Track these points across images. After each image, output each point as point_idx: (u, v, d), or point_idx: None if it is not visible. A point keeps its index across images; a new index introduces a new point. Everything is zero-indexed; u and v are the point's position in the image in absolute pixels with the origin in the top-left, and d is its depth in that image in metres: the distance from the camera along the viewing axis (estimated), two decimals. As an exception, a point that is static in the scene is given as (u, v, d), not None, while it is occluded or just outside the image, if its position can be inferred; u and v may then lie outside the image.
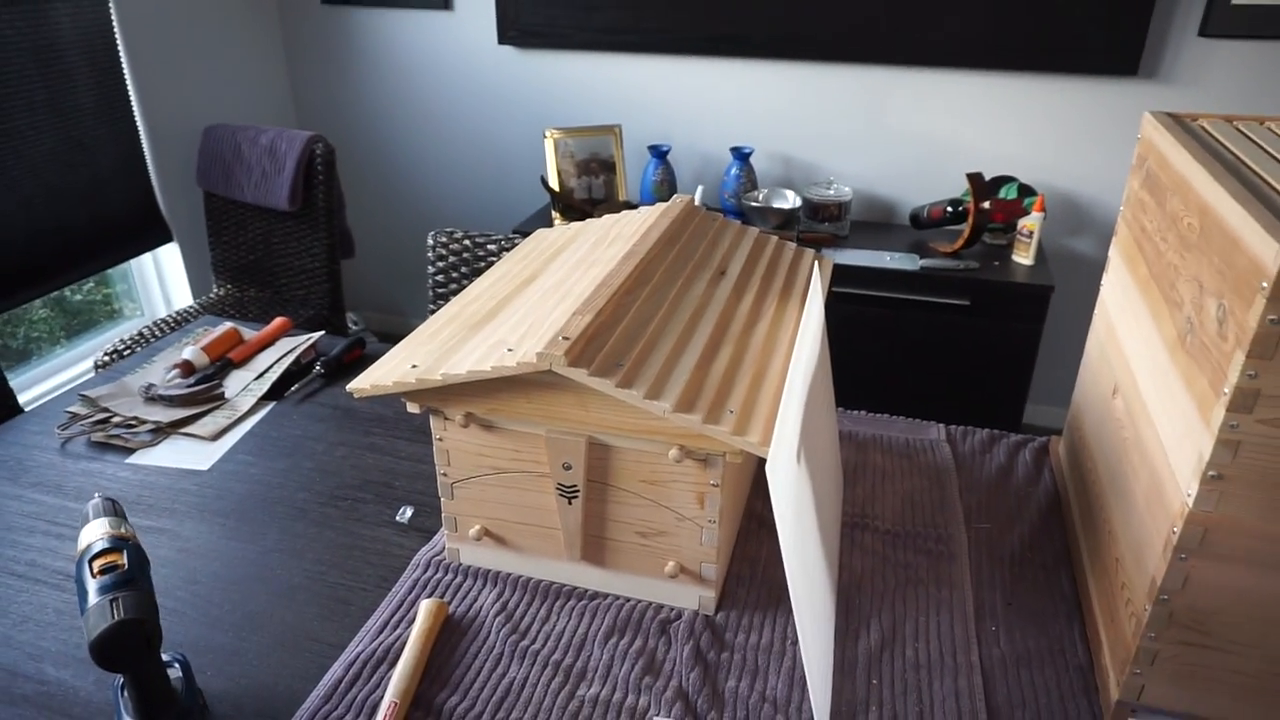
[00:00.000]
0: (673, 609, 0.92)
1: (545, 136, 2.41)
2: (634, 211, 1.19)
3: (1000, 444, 1.21)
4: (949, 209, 2.19)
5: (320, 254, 2.32)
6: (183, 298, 2.71)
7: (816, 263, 1.09)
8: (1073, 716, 0.81)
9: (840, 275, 2.13)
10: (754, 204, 2.30)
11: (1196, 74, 2.14)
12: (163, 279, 2.74)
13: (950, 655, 0.87)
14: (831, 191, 2.32)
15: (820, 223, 2.31)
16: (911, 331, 2.13)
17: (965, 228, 2.10)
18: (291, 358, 1.39)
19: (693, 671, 0.84)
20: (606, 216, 1.22)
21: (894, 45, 2.28)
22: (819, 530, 0.86)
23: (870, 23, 2.27)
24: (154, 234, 2.56)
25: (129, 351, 2.16)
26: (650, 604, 0.93)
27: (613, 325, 0.85)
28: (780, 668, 0.85)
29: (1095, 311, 1.09)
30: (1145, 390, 0.83)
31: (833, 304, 2.14)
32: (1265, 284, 0.59)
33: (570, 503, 0.90)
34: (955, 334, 2.09)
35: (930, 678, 0.84)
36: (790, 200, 2.33)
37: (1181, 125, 0.91)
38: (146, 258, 2.68)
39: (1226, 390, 0.63)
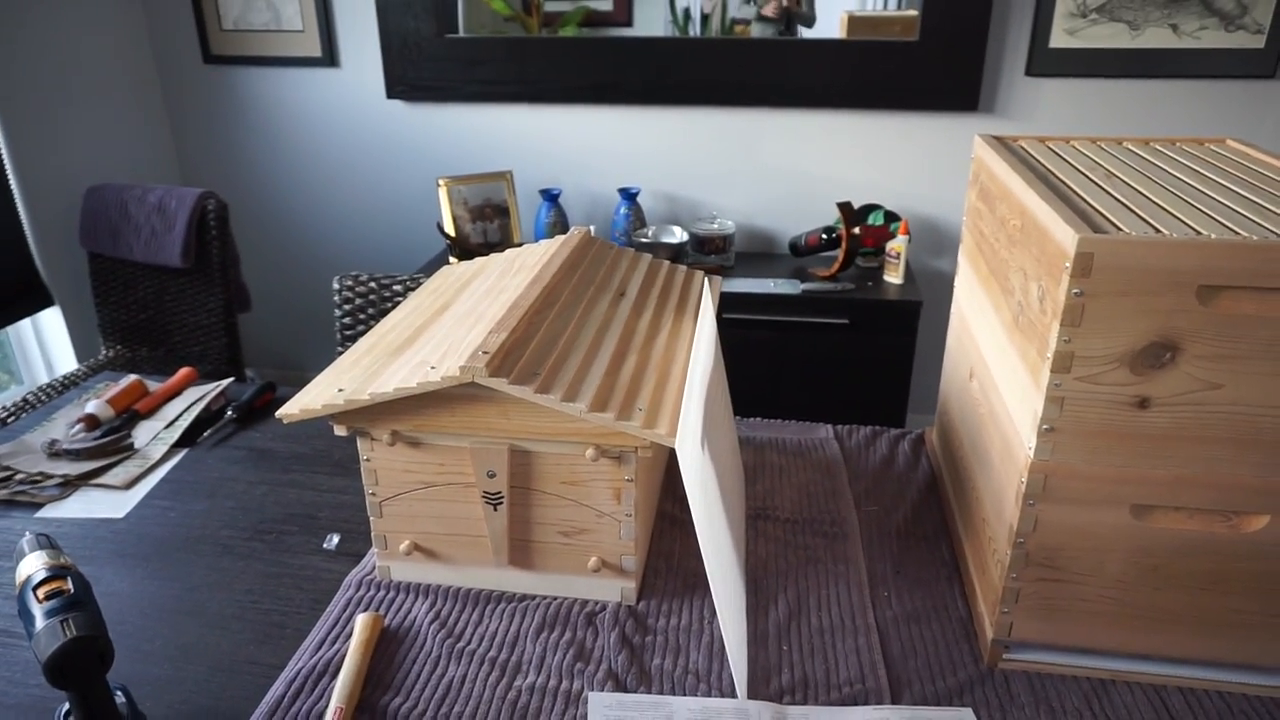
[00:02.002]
0: (598, 602, 0.99)
1: (438, 185, 2.48)
2: (536, 244, 1.27)
3: (882, 438, 1.34)
4: (824, 236, 2.37)
5: (216, 310, 2.30)
6: (66, 362, 2.63)
7: (707, 280, 1.20)
8: (957, 659, 0.92)
9: (729, 303, 2.27)
10: (643, 240, 2.42)
11: (1025, 107, 2.40)
12: (44, 344, 2.64)
13: (850, 619, 0.97)
14: (715, 226, 2.47)
15: (707, 255, 2.45)
16: (798, 350, 2.28)
17: (839, 253, 2.28)
18: (202, 404, 1.41)
19: (620, 655, 0.91)
20: (510, 250, 1.30)
21: (766, 89, 2.46)
22: (726, 518, 0.96)
23: (742, 70, 2.45)
24: (33, 299, 2.48)
25: (11, 419, 2.09)
26: (576, 600, 0.99)
27: (526, 341, 0.93)
28: (700, 644, 0.93)
29: (952, 310, 1.23)
30: (993, 368, 0.96)
31: (724, 329, 2.27)
32: (1067, 264, 0.72)
33: (496, 509, 0.96)
34: (838, 350, 2.25)
35: (834, 639, 0.94)
36: (677, 236, 2.47)
37: (1005, 145, 1.07)
38: (25, 324, 2.59)
39: (1049, 355, 0.76)
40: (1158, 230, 0.74)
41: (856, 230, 2.25)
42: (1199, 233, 0.73)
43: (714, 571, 0.80)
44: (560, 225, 2.53)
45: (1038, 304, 0.80)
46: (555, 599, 0.99)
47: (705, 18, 2.63)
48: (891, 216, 2.42)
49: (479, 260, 1.32)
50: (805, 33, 2.55)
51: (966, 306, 1.13)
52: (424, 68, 2.60)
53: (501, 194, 2.54)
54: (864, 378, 2.25)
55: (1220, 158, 1.00)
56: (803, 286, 2.28)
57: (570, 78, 2.54)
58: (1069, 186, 0.88)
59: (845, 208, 2.25)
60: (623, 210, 2.52)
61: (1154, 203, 0.83)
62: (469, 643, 0.93)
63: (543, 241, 1.27)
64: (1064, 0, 2.29)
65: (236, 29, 2.74)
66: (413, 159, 2.77)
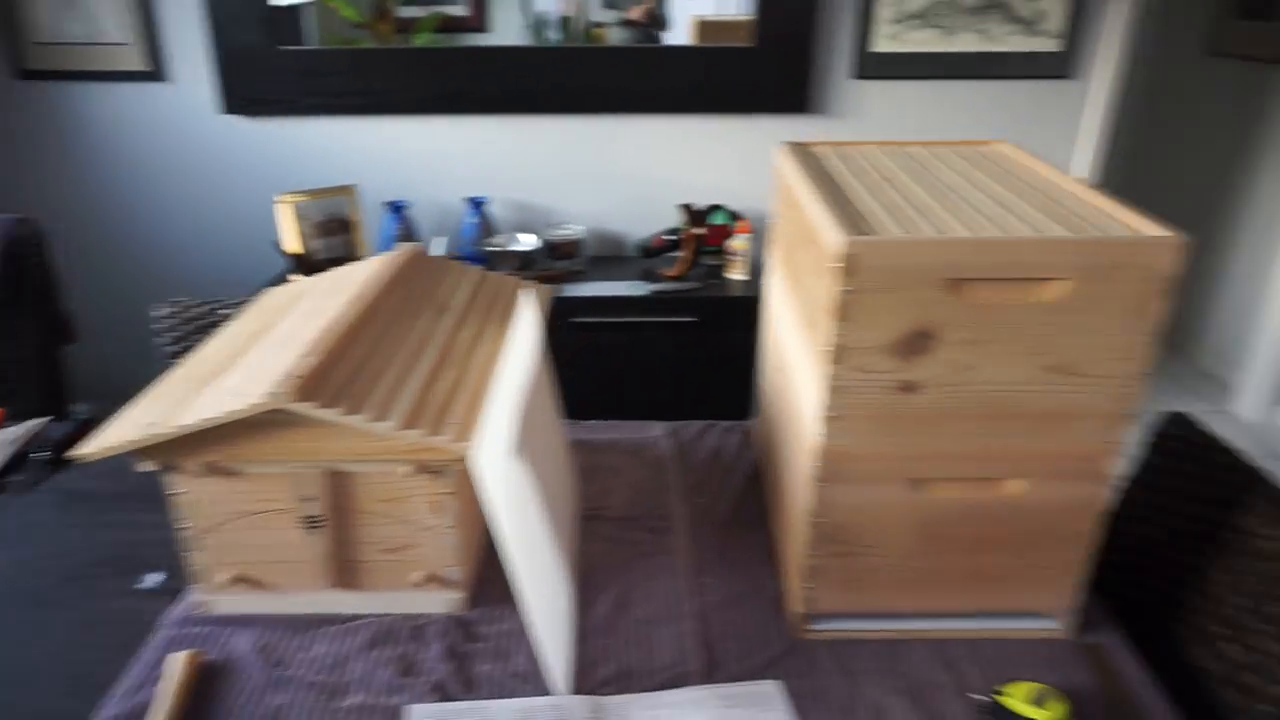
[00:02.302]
0: (426, 615, 1.00)
1: (278, 202, 2.41)
2: (363, 262, 1.27)
3: (711, 431, 1.40)
4: (669, 238, 2.43)
5: (33, 343, 2.16)
6: None
7: (529, 290, 1.22)
8: (770, 636, 0.97)
9: (580, 307, 2.30)
10: (494, 249, 2.43)
11: (853, 108, 2.53)
12: None
13: (672, 608, 1.01)
14: (565, 232, 2.49)
15: (558, 261, 2.47)
16: (649, 349, 2.33)
17: (685, 253, 2.34)
18: (12, 449, 1.33)
19: (446, 665, 0.92)
20: (338, 269, 1.29)
21: (614, 96, 2.51)
22: (549, 521, 0.98)
23: (593, 77, 2.48)
24: None
25: None
26: (404, 615, 1.00)
27: (339, 363, 0.92)
28: (526, 647, 0.95)
29: (764, 308, 1.29)
30: (792, 362, 1.03)
31: (575, 333, 2.30)
32: (837, 264, 0.78)
33: (316, 533, 0.95)
34: (687, 347, 2.32)
35: (655, 629, 0.98)
36: (527, 243, 2.48)
37: (801, 151, 1.14)
38: None
39: (829, 348, 0.82)
40: (914, 230, 0.81)
41: (700, 231, 2.32)
42: (950, 231, 0.81)
43: (523, 577, 0.83)
44: (408, 237, 2.51)
45: (820, 301, 0.86)
46: (383, 616, 1.00)
47: (565, 20, 2.66)
48: (733, 216, 2.51)
49: (305, 281, 1.30)
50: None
51: (775, 305, 1.20)
52: (261, 81, 2.52)
53: (345, 209, 2.49)
54: (713, 373, 2.33)
55: (988, 161, 1.10)
56: (651, 287, 2.34)
57: (417, 88, 2.52)
58: (847, 191, 0.95)
59: (688, 209, 2.32)
60: (471, 220, 2.51)
61: (916, 205, 0.90)
62: (293, 669, 0.92)
63: (371, 259, 1.26)
64: (884, 7, 2.43)
65: (53, 41, 2.58)
66: (252, 176, 2.68)
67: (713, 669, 0.93)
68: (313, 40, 2.60)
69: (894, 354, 0.81)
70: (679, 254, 2.42)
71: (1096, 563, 1.26)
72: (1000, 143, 1.16)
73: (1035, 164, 1.05)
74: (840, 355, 0.82)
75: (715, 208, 2.51)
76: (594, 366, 2.35)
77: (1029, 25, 2.43)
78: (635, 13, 2.58)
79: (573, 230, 2.50)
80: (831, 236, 0.80)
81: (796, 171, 1.02)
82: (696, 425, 1.41)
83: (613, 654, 0.94)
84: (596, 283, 2.39)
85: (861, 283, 0.79)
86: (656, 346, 2.33)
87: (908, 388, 0.83)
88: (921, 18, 2.43)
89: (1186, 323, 3.55)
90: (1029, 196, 0.93)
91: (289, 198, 2.40)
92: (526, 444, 0.93)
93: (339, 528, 0.96)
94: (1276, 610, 0.93)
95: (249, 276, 2.80)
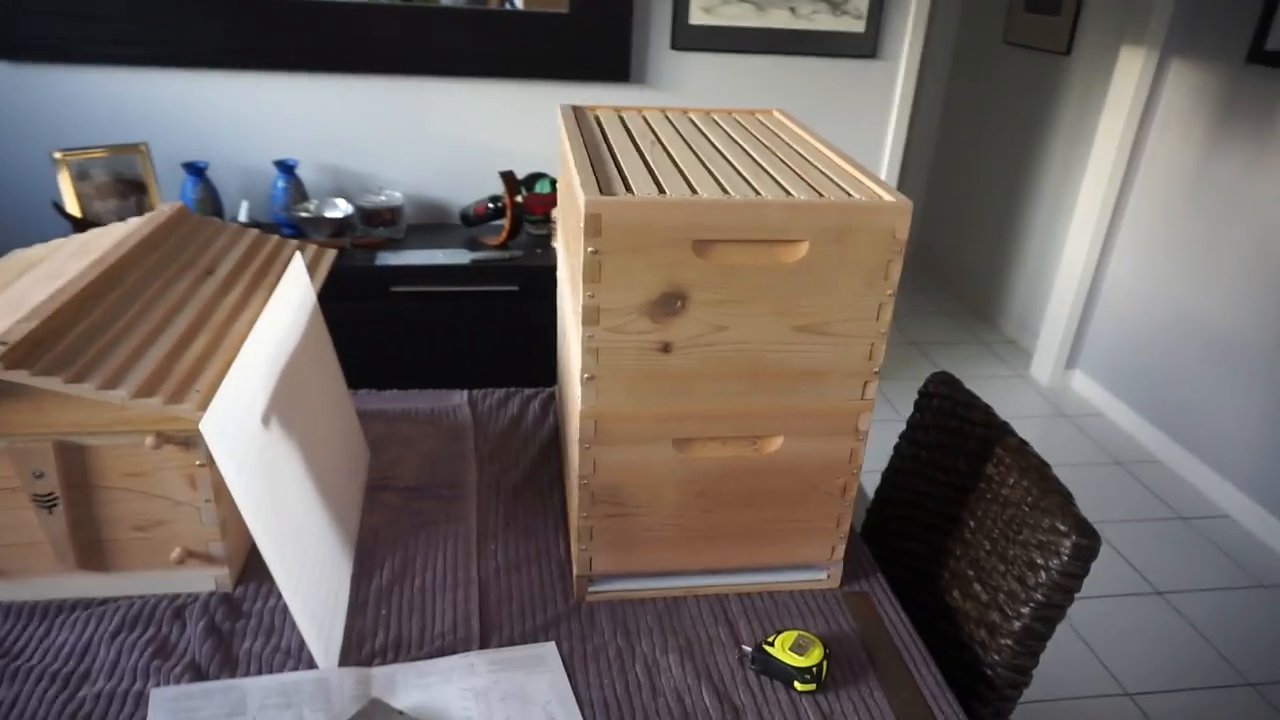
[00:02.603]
0: (189, 594, 0.95)
1: (55, 159, 2.20)
2: (122, 223, 1.17)
3: (515, 398, 1.39)
4: (490, 205, 2.39)
5: None
6: None
7: (300, 252, 1.17)
8: (550, 600, 0.98)
9: (399, 275, 2.23)
10: (305, 214, 2.31)
11: (673, 79, 2.57)
12: None
13: (452, 575, 1.00)
14: (383, 198, 2.41)
15: (375, 228, 2.39)
16: (469, 319, 2.29)
17: (506, 222, 2.31)
18: None
19: (205, 644, 0.88)
20: (92, 230, 1.19)
21: (424, 58, 2.42)
22: (316, 490, 0.95)
23: (397, 38, 2.39)
24: None
25: None
26: (164, 596, 0.94)
27: (68, 329, 0.85)
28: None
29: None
30: (566, 326, 1.03)
31: (394, 303, 2.23)
32: (583, 225, 0.79)
33: (51, 512, 0.88)
34: (508, 317, 2.30)
35: (434, 597, 0.97)
36: (342, 209, 2.38)
37: (579, 114, 1.13)
38: None
39: (581, 309, 0.83)
40: (663, 191, 0.83)
41: (520, 199, 2.29)
42: (696, 193, 0.82)
43: (270, 548, 0.79)
44: (210, 200, 2.35)
45: (578, 260, 0.87)
46: (139, 598, 0.94)
47: None
48: (555, 184, 2.49)
49: (55, 242, 1.19)
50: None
51: (561, 268, 1.20)
52: (25, 21, 2.28)
53: (136, 168, 2.31)
54: (535, 342, 2.32)
55: (761, 127, 1.13)
56: (472, 256, 2.29)
57: (211, 40, 2.35)
58: (614, 153, 0.96)
59: (508, 176, 2.29)
60: (281, 184, 2.38)
61: (680, 167, 0.92)
62: (29, 659, 0.86)
63: (131, 220, 1.17)
64: (700, -20, 2.46)
65: None
66: (22, 130, 2.43)
67: (489, 634, 0.92)
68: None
69: (648, 315, 0.83)
70: (502, 222, 2.39)
71: (873, 515, 1.34)
72: (774, 111, 1.20)
73: (803, 132, 1.09)
74: (594, 316, 0.82)
75: (540, 175, 2.48)
76: (413, 336, 2.29)
77: (835, 6, 2.52)
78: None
79: (391, 197, 2.42)
80: (580, 197, 0.80)
81: (567, 132, 1.02)
82: (499, 393, 1.40)
83: (389, 624, 0.93)
84: (416, 251, 2.32)
85: (608, 243, 0.79)
86: (478, 316, 2.30)
87: (664, 348, 0.85)
88: (735, -9, 2.48)
89: (993, 295, 3.83)
90: (793, 161, 0.96)
91: (65, 155, 2.20)
92: (277, 410, 0.89)
93: (79, 505, 0.89)
94: (1014, 551, 1.02)
95: (26, 241, 2.55)
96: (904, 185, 4.41)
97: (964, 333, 3.70)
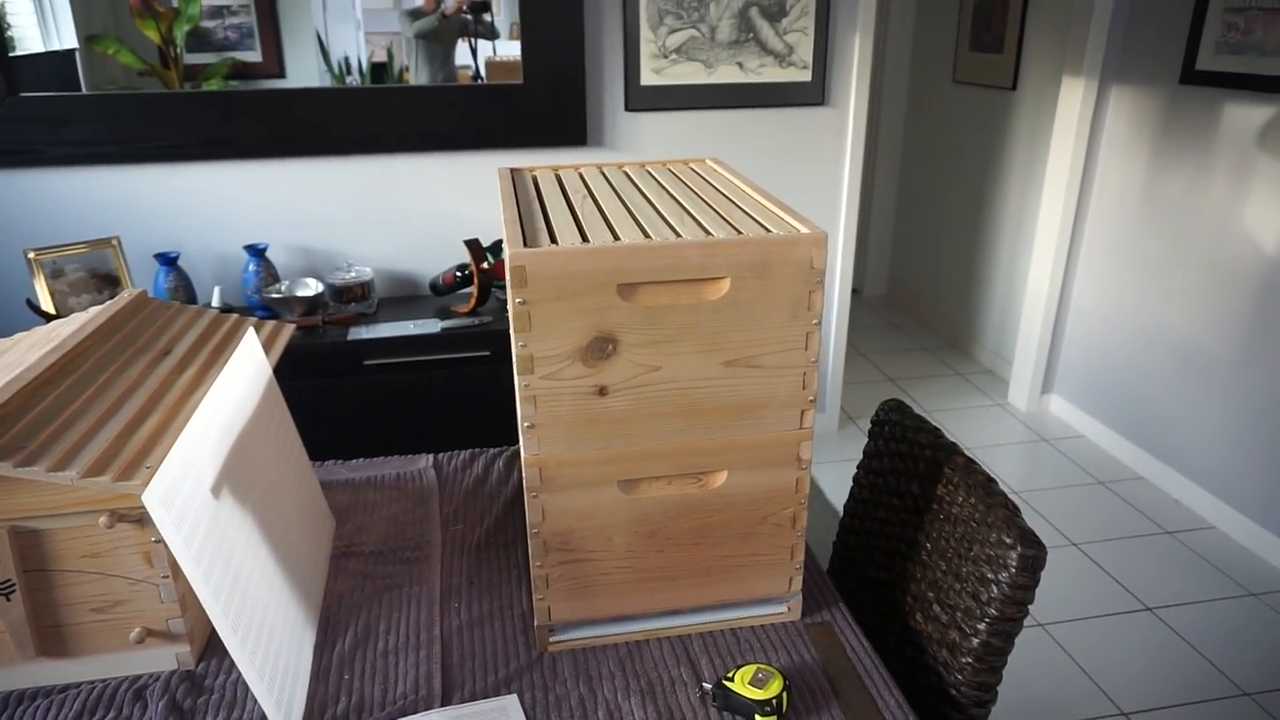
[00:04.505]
0: (151, 675, 0.95)
1: (28, 258, 2.24)
2: (83, 313, 1.20)
3: (480, 458, 1.40)
4: (458, 274, 2.43)
5: None
6: None
7: (253, 329, 1.19)
8: (513, 653, 0.98)
9: (372, 349, 2.26)
10: (276, 295, 2.35)
11: (628, 139, 2.64)
12: None
13: (415, 636, 1.01)
14: (353, 274, 2.45)
15: (347, 304, 2.42)
16: (443, 386, 2.32)
17: (474, 289, 2.35)
18: None
19: (165, 722, 0.88)
20: (55, 321, 1.22)
21: (386, 136, 2.49)
22: (274, 560, 0.96)
23: (358, 119, 2.46)
24: None
25: None
26: (126, 678, 0.95)
27: (21, 415, 0.87)
28: (257, 693, 0.92)
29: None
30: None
31: (368, 376, 2.26)
32: (510, 277, 0.82)
33: (9, 599, 0.89)
34: (480, 382, 2.32)
35: (397, 660, 0.97)
36: (313, 288, 2.42)
37: (515, 175, 1.18)
38: None
39: (515, 359, 0.85)
40: (587, 240, 0.86)
41: (486, 265, 2.34)
42: (619, 239, 0.86)
43: (220, 619, 0.80)
44: (184, 289, 2.39)
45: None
46: (100, 682, 0.94)
47: (375, 66, 2.63)
48: (524, 249, 2.54)
49: (18, 335, 1.22)
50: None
51: (515, 326, 1.23)
52: (1, 131, 2.35)
53: (109, 262, 2.35)
54: (508, 404, 2.34)
55: (693, 175, 1.17)
56: (442, 325, 2.33)
57: (177, 134, 2.41)
58: (544, 210, 0.99)
59: (473, 244, 2.34)
60: (251, 267, 2.42)
61: (605, 217, 0.95)
62: (-11, 751, 0.86)
63: (92, 309, 1.20)
64: (647, 44, 2.55)
65: None
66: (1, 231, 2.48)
67: (451, 691, 0.93)
68: (85, 88, 2.46)
69: (580, 360, 0.85)
70: (470, 289, 2.43)
71: (838, 546, 1.35)
72: (707, 160, 1.25)
73: (732, 177, 1.13)
74: (528, 365, 0.85)
75: (501, 242, 2.53)
76: (389, 408, 2.31)
77: (780, 58, 2.61)
78: (451, 5, 2.59)
79: (360, 273, 2.46)
80: (512, 251, 0.83)
81: (504, 194, 1.06)
82: (464, 454, 1.42)
83: (352, 689, 0.93)
84: (388, 324, 2.36)
85: (534, 293, 0.82)
86: (451, 383, 2.32)
87: (600, 391, 0.87)
88: (680, 52, 2.57)
89: (966, 327, 3.88)
90: (717, 204, 1.00)
91: (38, 253, 2.24)
92: (229, 481, 0.91)
93: (37, 590, 0.90)
94: (967, 569, 1.03)
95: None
96: (870, 225, 4.49)
97: (941, 366, 3.73)
